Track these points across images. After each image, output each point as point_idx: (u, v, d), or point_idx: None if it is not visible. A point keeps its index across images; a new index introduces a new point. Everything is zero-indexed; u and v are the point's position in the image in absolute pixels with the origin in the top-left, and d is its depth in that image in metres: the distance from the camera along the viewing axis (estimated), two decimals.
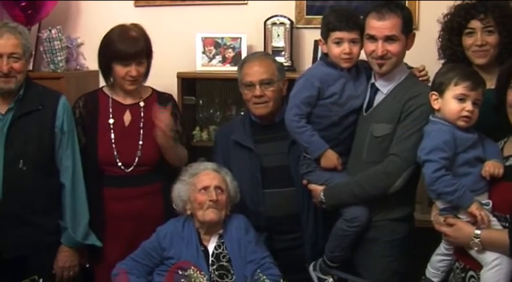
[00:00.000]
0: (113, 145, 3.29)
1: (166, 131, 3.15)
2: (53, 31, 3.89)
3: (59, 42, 3.89)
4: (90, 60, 4.07)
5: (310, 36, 3.86)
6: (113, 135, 3.31)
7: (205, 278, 2.62)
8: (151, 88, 3.44)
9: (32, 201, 3.12)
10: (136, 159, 3.29)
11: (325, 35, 2.97)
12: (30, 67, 3.50)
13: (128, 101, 3.36)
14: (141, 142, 3.30)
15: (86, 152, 3.28)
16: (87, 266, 3.34)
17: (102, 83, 3.92)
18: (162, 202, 3.34)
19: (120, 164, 3.29)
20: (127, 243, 3.24)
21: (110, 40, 3.28)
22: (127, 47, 3.22)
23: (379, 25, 2.84)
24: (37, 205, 3.14)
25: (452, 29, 2.99)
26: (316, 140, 2.96)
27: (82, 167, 3.25)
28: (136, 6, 4.06)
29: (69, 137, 3.20)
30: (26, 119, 3.12)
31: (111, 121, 3.33)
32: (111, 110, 3.34)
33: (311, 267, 3.09)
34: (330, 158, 2.97)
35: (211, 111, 3.92)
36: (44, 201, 3.17)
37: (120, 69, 3.25)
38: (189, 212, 3.03)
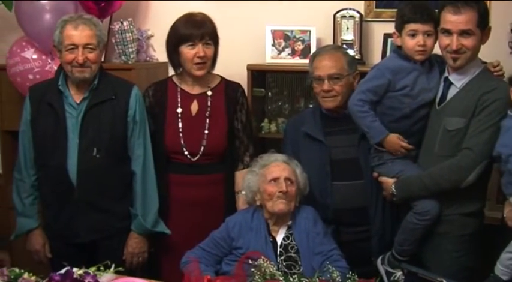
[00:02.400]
0: (180, 134, 3.34)
1: None
2: (124, 23, 3.95)
3: (130, 34, 3.96)
4: (160, 52, 4.13)
5: (380, 29, 3.82)
6: (180, 125, 3.36)
7: (274, 268, 2.64)
8: (220, 77, 3.47)
9: (104, 188, 3.19)
10: (202, 148, 3.33)
11: (400, 27, 2.96)
12: (102, 58, 3.56)
13: (196, 90, 3.40)
14: (206, 131, 3.35)
15: (154, 140, 3.34)
16: (152, 250, 3.39)
17: (171, 74, 4.00)
18: (224, 192, 3.38)
19: (186, 152, 3.34)
20: (189, 230, 3.30)
21: (176, 26, 3.36)
22: (192, 28, 3.28)
23: (454, 19, 2.80)
24: (109, 192, 3.21)
25: None
26: (377, 126, 2.97)
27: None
28: None
29: (141, 126, 3.25)
30: (99, 108, 3.19)
31: (179, 110, 3.38)
32: (179, 99, 3.39)
33: (379, 261, 3.08)
34: (393, 140, 2.97)
35: (280, 103, 3.93)
36: (116, 188, 3.24)
37: (187, 52, 3.29)
38: (258, 203, 3.04)
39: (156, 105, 3.40)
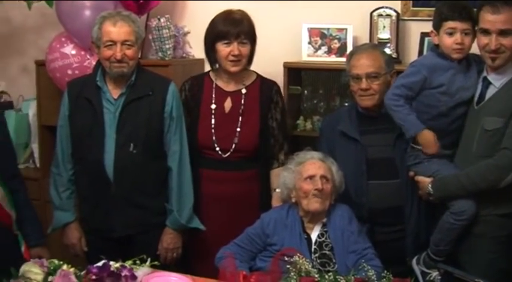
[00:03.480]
0: (212, 130, 3.36)
1: None
2: (161, 20, 3.99)
3: (167, 30, 4.00)
4: (196, 49, 4.16)
5: (416, 28, 3.80)
6: (213, 121, 3.38)
7: (310, 265, 2.64)
8: (257, 74, 3.48)
9: (140, 184, 3.22)
10: (233, 145, 3.35)
11: (438, 25, 2.95)
12: (139, 55, 3.59)
13: (230, 87, 3.42)
14: (238, 129, 3.36)
15: (188, 134, 3.35)
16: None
17: (207, 70, 4.02)
18: (257, 188, 3.39)
19: (218, 148, 3.36)
20: (220, 226, 3.32)
21: (213, 22, 3.38)
22: (229, 26, 3.30)
23: (493, 18, 2.79)
24: (145, 187, 3.24)
25: None
26: (412, 119, 2.97)
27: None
28: None
29: (177, 122, 3.27)
30: (137, 104, 3.21)
31: (213, 107, 3.40)
32: (213, 96, 3.41)
33: (414, 261, 3.06)
34: (427, 136, 2.96)
35: (315, 101, 3.92)
36: (152, 183, 3.26)
37: (222, 49, 3.32)
38: (293, 200, 3.04)
39: (191, 99, 3.43)
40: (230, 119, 3.39)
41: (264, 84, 3.45)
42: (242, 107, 3.39)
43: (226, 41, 3.30)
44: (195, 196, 3.33)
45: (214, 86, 3.43)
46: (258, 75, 3.47)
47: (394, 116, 3.01)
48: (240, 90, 3.42)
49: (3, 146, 2.94)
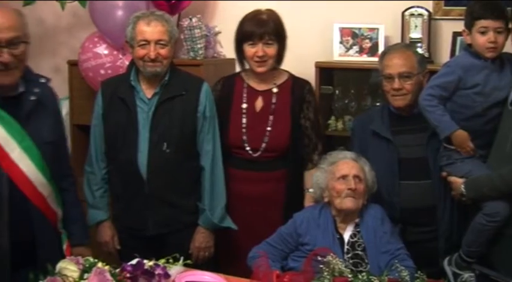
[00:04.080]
0: (243, 130, 3.37)
1: None
2: (193, 20, 4.01)
3: (199, 30, 4.02)
4: (227, 49, 4.17)
5: (448, 27, 3.77)
6: (244, 120, 3.39)
7: (343, 265, 2.64)
8: (289, 73, 3.48)
9: (173, 183, 3.23)
10: (264, 145, 3.36)
11: (470, 24, 2.93)
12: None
13: (262, 86, 3.43)
14: (269, 128, 3.37)
15: (220, 134, 3.38)
16: None
17: (238, 70, 4.03)
18: (285, 188, 3.39)
19: (248, 148, 3.36)
20: (249, 226, 3.33)
21: (241, 23, 3.40)
22: (254, 27, 3.31)
23: None
24: (178, 186, 3.25)
25: None
26: (447, 120, 2.95)
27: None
28: None
29: (210, 122, 3.28)
30: (170, 104, 3.23)
31: (244, 106, 3.41)
32: (245, 95, 3.42)
33: (446, 262, 3.05)
34: (461, 137, 2.94)
35: (347, 101, 3.92)
36: (185, 183, 3.28)
37: (248, 50, 3.34)
38: (326, 200, 3.04)
39: (222, 99, 3.44)
40: (261, 118, 3.39)
41: (296, 83, 3.44)
42: (273, 107, 3.40)
43: (251, 42, 3.32)
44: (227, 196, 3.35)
45: (245, 85, 3.44)
46: (291, 75, 3.47)
47: (428, 117, 3.00)
48: (271, 90, 3.42)
49: (59, 145, 2.89)
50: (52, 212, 2.78)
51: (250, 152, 3.37)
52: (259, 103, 3.42)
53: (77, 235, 2.95)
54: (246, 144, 3.37)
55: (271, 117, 3.38)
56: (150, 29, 3.19)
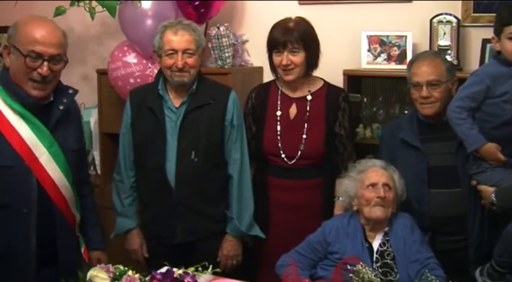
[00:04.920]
0: (278, 137, 3.37)
1: None
2: (221, 28, 4.03)
3: (226, 39, 4.03)
4: (254, 57, 4.19)
5: (477, 34, 3.74)
6: (279, 127, 3.39)
7: (373, 274, 2.62)
8: (324, 81, 3.47)
9: (201, 191, 3.25)
10: (299, 153, 3.35)
11: (498, 30, 2.89)
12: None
13: (296, 94, 3.43)
14: (304, 136, 3.36)
15: (255, 142, 3.40)
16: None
17: (266, 79, 4.05)
18: (321, 197, 3.38)
19: (283, 156, 3.36)
20: (286, 234, 3.32)
21: (270, 31, 3.40)
22: (278, 35, 3.32)
23: None
24: (206, 195, 3.27)
25: None
26: (475, 134, 2.91)
27: (249, 159, 3.36)
28: (300, 4, 4.11)
29: (238, 130, 3.30)
30: (198, 112, 3.25)
31: (278, 113, 3.41)
32: (279, 103, 3.42)
33: (478, 272, 2.99)
34: (490, 149, 2.90)
35: (375, 109, 3.90)
36: (212, 191, 3.29)
37: (275, 58, 3.35)
38: (355, 208, 3.03)
39: (257, 107, 3.45)
40: (295, 125, 3.39)
41: (330, 91, 3.43)
42: (307, 114, 3.39)
43: (276, 50, 3.33)
44: (262, 204, 3.37)
45: (279, 92, 3.44)
46: (326, 83, 3.47)
47: (457, 129, 2.97)
48: (305, 97, 3.41)
49: (81, 154, 3.04)
50: (72, 215, 2.87)
51: (286, 159, 3.36)
52: (293, 110, 3.42)
53: (95, 240, 3.06)
54: (281, 152, 3.37)
55: (306, 125, 3.38)
56: (178, 39, 3.21)
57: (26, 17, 2.79)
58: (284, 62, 3.30)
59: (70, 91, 2.88)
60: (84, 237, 3.00)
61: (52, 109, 2.77)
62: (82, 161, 3.06)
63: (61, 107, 2.78)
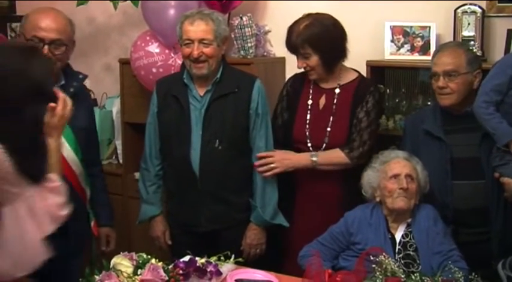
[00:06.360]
0: (307, 125, 3.38)
1: None
2: (244, 18, 4.03)
3: (249, 29, 4.03)
4: (277, 47, 4.18)
5: (502, 25, 3.70)
6: (308, 116, 3.40)
7: (396, 266, 2.62)
8: (358, 73, 3.47)
9: (225, 180, 3.26)
10: (324, 144, 3.35)
11: None
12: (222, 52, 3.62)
13: (326, 85, 3.42)
14: (329, 129, 3.36)
15: (286, 129, 3.41)
16: None
17: (288, 69, 4.05)
18: (344, 187, 3.36)
19: (309, 144, 3.37)
20: (309, 224, 3.32)
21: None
22: (288, 40, 3.35)
23: None
24: (230, 183, 3.28)
25: None
26: (504, 127, 2.89)
27: (279, 144, 3.38)
28: None
29: (263, 118, 3.30)
30: (222, 101, 3.26)
31: (309, 102, 3.42)
32: (311, 91, 3.43)
33: (500, 266, 2.97)
34: None
35: (398, 100, 3.88)
36: (237, 180, 3.30)
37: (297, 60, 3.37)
38: (378, 199, 3.03)
39: (292, 94, 3.47)
40: (323, 116, 3.39)
41: (361, 84, 3.40)
42: (334, 107, 3.39)
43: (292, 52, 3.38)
44: (287, 193, 3.37)
45: (312, 82, 3.44)
46: (359, 75, 3.46)
47: (485, 125, 2.94)
48: (334, 89, 3.41)
49: (90, 133, 3.18)
50: (82, 189, 3.02)
51: (312, 148, 3.36)
52: (322, 101, 3.42)
53: (104, 217, 3.25)
54: (308, 140, 3.37)
55: (331, 118, 3.37)
56: (194, 28, 3.22)
57: (36, 8, 3.02)
58: (299, 65, 3.35)
59: (80, 76, 3.10)
60: (94, 214, 3.16)
61: (63, 91, 2.82)
62: (91, 141, 3.18)
63: (71, 90, 2.94)
